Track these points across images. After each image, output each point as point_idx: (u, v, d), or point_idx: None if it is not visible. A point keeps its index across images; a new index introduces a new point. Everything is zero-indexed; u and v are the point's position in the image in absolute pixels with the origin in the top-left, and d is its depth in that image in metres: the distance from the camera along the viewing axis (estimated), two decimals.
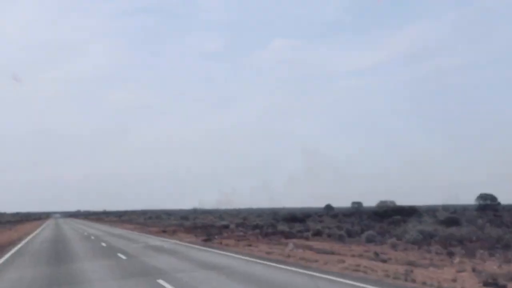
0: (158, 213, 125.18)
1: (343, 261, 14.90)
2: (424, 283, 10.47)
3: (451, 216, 38.08)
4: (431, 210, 52.82)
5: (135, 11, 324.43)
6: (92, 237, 35.06)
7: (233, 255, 18.94)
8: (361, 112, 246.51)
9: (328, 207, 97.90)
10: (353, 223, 45.18)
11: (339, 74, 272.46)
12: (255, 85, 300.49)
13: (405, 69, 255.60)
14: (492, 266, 13.79)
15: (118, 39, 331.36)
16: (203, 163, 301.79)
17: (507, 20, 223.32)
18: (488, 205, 65.41)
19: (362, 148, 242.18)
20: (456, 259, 15.37)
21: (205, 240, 29.36)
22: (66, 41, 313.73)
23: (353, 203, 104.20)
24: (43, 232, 48.11)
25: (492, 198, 68.10)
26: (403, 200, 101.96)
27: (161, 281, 11.29)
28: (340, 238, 28.34)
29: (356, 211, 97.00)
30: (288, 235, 31.27)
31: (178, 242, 28.37)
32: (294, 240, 27.10)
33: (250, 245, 23.75)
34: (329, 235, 30.75)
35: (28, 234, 43.77)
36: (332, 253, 18.69)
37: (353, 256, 17.18)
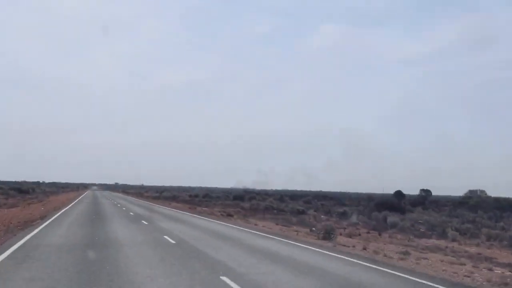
0: (195, 190, 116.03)
1: None
2: None
3: None
4: None
5: None
6: (144, 222, 24.77)
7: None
8: (408, 100, 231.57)
9: (399, 194, 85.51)
10: (480, 217, 33.50)
11: (388, 61, 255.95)
12: (301, 69, 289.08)
13: (460, 59, 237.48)
14: None
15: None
16: (242, 143, 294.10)
17: None
18: None
19: (402, 136, 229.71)
20: None
21: (323, 239, 18.58)
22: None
23: (422, 190, 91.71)
24: (76, 208, 38.56)
25: None
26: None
27: None
28: None
29: (424, 199, 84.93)
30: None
31: (289, 241, 17.52)
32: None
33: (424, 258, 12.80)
34: None
35: (58, 209, 34.17)
36: None
37: None
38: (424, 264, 12.93)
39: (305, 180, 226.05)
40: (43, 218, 24.33)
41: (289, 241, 17.22)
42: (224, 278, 8.84)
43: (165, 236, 16.79)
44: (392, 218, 30.58)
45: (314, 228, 23.87)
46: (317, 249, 14.88)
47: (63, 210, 32.66)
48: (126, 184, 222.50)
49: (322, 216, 38.34)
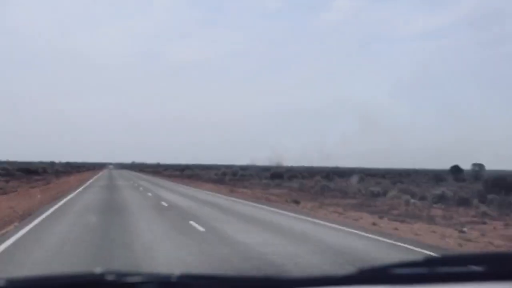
0: (220, 167, 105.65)
1: None
2: None
3: None
4: None
5: None
6: (197, 226, 14.23)
7: None
8: (422, 75, 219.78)
9: (455, 169, 74.03)
10: None
11: (402, 36, 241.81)
12: (314, 44, 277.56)
13: (473, 33, 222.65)
14: None
15: None
16: (255, 119, 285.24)
17: None
18: None
19: (416, 112, 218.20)
20: None
21: None
22: None
23: (474, 165, 79.82)
24: (84, 196, 28.49)
25: None
26: None
27: None
28: None
29: (477, 176, 71.94)
30: None
31: None
32: None
33: None
34: None
35: (58, 198, 24.03)
36: None
37: None
38: None
39: (319, 156, 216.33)
40: (20, 219, 13.93)
41: None
42: None
43: None
44: None
45: (465, 229, 14.65)
46: None
47: (64, 200, 22.44)
48: (143, 163, 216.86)
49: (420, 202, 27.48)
